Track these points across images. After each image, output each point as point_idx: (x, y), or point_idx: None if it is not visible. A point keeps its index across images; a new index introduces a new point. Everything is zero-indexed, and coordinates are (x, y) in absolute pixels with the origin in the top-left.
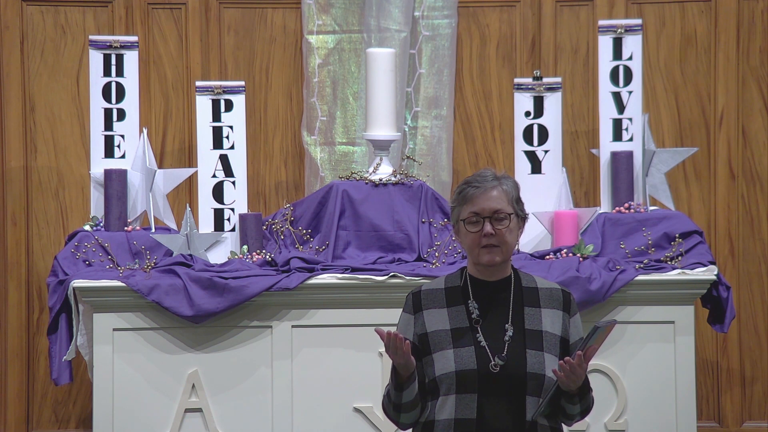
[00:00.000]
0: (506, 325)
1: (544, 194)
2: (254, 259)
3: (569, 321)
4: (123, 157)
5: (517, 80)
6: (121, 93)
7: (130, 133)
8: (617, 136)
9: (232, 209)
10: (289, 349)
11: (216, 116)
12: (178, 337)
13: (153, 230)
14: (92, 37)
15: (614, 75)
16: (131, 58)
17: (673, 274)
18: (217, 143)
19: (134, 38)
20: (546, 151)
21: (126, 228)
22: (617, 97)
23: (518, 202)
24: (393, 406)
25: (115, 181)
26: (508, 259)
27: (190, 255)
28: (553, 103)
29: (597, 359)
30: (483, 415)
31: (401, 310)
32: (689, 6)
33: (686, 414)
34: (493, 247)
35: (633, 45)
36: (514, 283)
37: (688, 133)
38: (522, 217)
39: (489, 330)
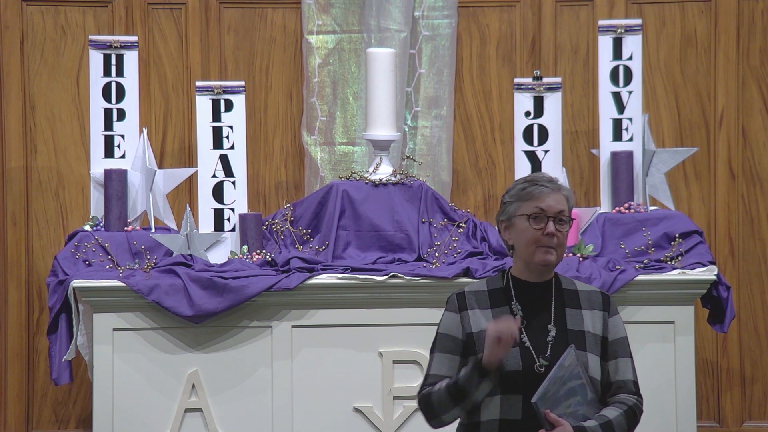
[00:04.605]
0: (549, 326)
1: None
2: (254, 259)
3: (609, 320)
4: (123, 157)
5: (517, 80)
6: (121, 93)
7: (130, 133)
8: (617, 136)
9: (232, 209)
10: (289, 349)
11: (216, 116)
12: (178, 337)
13: (153, 230)
14: (92, 37)
15: (614, 75)
16: (131, 58)
17: (673, 274)
18: (217, 143)
19: (134, 38)
20: (546, 151)
21: (126, 228)
22: (617, 97)
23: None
24: (444, 408)
25: (115, 181)
26: (559, 261)
27: (190, 255)
28: (553, 103)
29: None
30: (528, 415)
31: (443, 309)
32: (689, 6)
33: (686, 414)
34: (550, 248)
35: (633, 45)
36: (555, 285)
37: (688, 133)
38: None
39: (532, 331)
